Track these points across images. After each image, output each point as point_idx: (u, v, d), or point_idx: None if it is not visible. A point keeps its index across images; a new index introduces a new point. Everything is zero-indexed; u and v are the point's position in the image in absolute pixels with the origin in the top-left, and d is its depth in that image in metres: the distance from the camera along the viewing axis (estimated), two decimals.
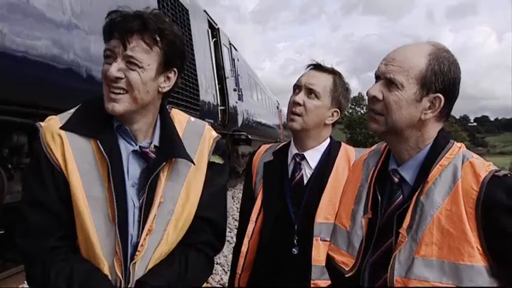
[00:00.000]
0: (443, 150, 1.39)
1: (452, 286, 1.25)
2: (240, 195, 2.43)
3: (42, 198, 1.42)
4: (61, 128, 1.45)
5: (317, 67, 2.06)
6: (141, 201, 1.46)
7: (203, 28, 10.66)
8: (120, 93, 1.42)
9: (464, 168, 1.33)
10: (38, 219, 1.42)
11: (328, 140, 2.09)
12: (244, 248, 2.05)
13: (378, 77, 1.43)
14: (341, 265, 1.51)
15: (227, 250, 6.04)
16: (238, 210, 2.42)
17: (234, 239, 2.40)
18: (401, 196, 1.43)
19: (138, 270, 1.44)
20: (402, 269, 1.32)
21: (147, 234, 1.44)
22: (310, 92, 2.00)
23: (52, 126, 1.46)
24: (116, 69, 1.39)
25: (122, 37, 1.39)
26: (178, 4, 8.41)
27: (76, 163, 1.42)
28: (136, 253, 1.43)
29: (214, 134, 1.67)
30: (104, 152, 1.42)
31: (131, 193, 1.46)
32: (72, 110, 1.53)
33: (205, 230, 1.57)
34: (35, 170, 1.45)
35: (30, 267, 1.45)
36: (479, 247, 1.25)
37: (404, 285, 1.31)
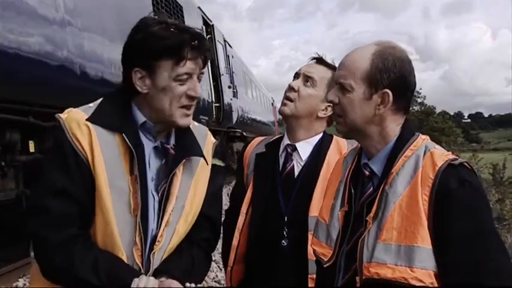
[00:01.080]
0: (408, 143, 1.47)
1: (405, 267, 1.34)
2: None
3: (67, 186, 1.43)
4: (88, 119, 1.48)
5: (319, 60, 2.09)
6: (160, 194, 1.55)
7: (197, 25, 10.64)
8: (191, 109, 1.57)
9: (425, 159, 1.42)
10: (61, 208, 1.42)
11: (321, 134, 2.10)
12: (235, 241, 2.06)
13: (336, 83, 1.54)
14: (321, 256, 1.59)
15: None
16: None
17: None
18: (371, 188, 1.52)
19: (156, 259, 1.53)
20: (369, 254, 1.40)
21: (165, 226, 1.54)
22: (307, 80, 2.03)
23: (77, 116, 1.50)
24: (199, 86, 1.56)
25: (204, 60, 1.54)
26: (172, 1, 8.39)
27: (102, 153, 1.46)
28: (156, 243, 1.52)
29: (213, 139, 1.80)
30: (130, 145, 1.48)
31: (151, 187, 1.54)
32: (92, 104, 1.57)
33: (206, 227, 1.67)
34: (58, 158, 1.46)
35: (51, 256, 1.43)
36: (428, 230, 1.34)
37: (368, 269, 1.39)
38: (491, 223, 1.43)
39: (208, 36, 11.49)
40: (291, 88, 2.03)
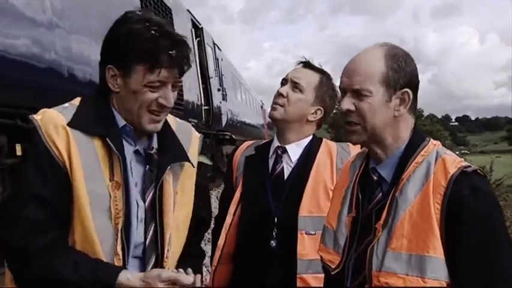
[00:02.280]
0: (419, 148, 1.45)
1: (416, 277, 1.32)
2: None
3: (42, 192, 1.38)
4: (68, 124, 1.42)
5: (306, 64, 2.11)
6: (148, 200, 1.50)
7: (187, 28, 10.61)
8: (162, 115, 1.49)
9: (437, 165, 1.40)
10: (36, 214, 1.37)
11: (311, 137, 2.12)
12: (221, 241, 2.07)
13: (344, 91, 1.49)
14: (328, 263, 1.57)
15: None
16: None
17: None
18: (380, 193, 1.49)
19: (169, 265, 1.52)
20: (379, 262, 1.38)
21: (169, 231, 1.53)
22: (295, 86, 2.04)
23: (54, 118, 1.43)
24: (172, 96, 1.47)
25: (181, 70, 1.46)
26: (161, 3, 8.36)
27: (80, 158, 1.40)
28: (166, 252, 1.51)
29: (198, 133, 1.75)
30: (114, 149, 1.42)
31: (135, 193, 1.49)
32: (67, 104, 1.51)
33: (200, 229, 1.69)
34: (33, 163, 1.41)
35: (28, 264, 1.38)
36: (441, 239, 1.32)
37: (377, 278, 1.37)
38: (505, 231, 1.39)
39: (197, 39, 11.47)
40: (279, 94, 2.05)
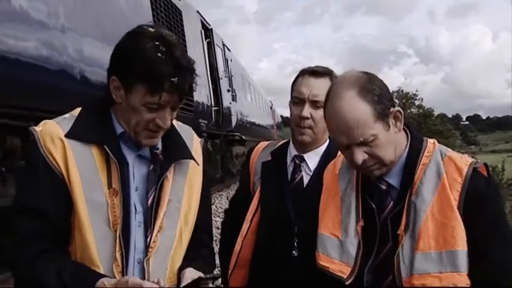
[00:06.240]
0: (421, 150, 1.50)
1: (451, 273, 1.36)
2: None
3: (36, 204, 1.41)
4: (66, 135, 1.44)
5: (313, 73, 2.02)
6: (149, 201, 1.51)
7: (196, 29, 10.65)
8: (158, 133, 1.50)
9: (445, 164, 1.46)
10: (28, 225, 1.40)
11: (328, 141, 2.09)
12: (237, 247, 2.06)
13: (349, 146, 1.47)
14: (338, 273, 1.54)
15: None
16: None
17: None
18: (391, 202, 1.51)
19: (154, 266, 1.48)
20: (408, 268, 1.40)
21: (158, 231, 1.50)
22: (315, 104, 1.97)
23: (51, 130, 1.46)
24: (169, 118, 1.48)
25: (181, 95, 1.45)
26: (171, 5, 8.40)
27: (77, 167, 1.42)
28: (149, 249, 1.48)
29: (198, 137, 1.76)
30: (112, 155, 1.44)
31: (134, 199, 1.50)
32: (67, 115, 1.53)
33: (202, 230, 1.67)
34: (30, 174, 1.44)
35: (19, 272, 1.44)
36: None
37: (410, 283, 1.38)
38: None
39: (207, 40, 11.50)
40: (303, 118, 1.97)
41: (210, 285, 1.42)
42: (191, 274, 1.44)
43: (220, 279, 1.46)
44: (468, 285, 1.34)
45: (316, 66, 2.06)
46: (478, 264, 1.36)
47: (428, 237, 1.39)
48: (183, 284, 1.42)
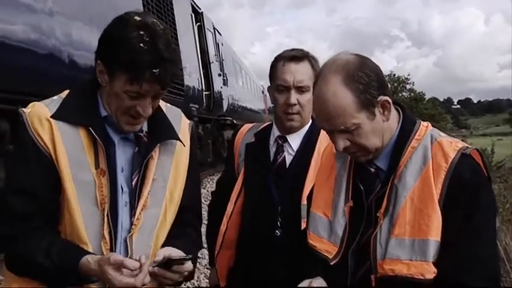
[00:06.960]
0: (412, 133, 1.45)
1: (420, 262, 1.33)
2: None
3: (27, 184, 1.46)
4: (52, 116, 1.47)
5: (293, 59, 2.02)
6: (134, 182, 1.54)
7: (186, 12, 10.55)
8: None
9: (433, 149, 1.40)
10: (21, 206, 1.45)
11: (310, 121, 2.11)
12: (223, 228, 2.10)
13: (331, 131, 1.46)
14: (324, 253, 1.54)
15: None
16: None
17: None
18: (379, 184, 1.49)
19: (137, 243, 1.52)
20: (382, 251, 1.39)
21: (142, 209, 1.53)
22: (300, 89, 1.99)
23: (39, 111, 1.49)
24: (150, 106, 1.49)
25: (163, 86, 1.47)
26: None
27: (65, 148, 1.46)
28: (133, 227, 1.52)
29: (188, 120, 1.77)
30: (97, 137, 1.47)
31: (120, 179, 1.54)
32: (56, 97, 1.56)
33: (190, 210, 1.69)
34: (20, 156, 1.49)
35: (11, 248, 1.48)
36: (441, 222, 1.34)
37: (382, 266, 1.37)
38: (494, 214, 1.45)
39: (197, 24, 11.41)
40: (290, 104, 1.99)
41: (181, 265, 1.43)
42: (165, 252, 1.46)
43: (190, 262, 1.47)
44: (434, 274, 1.31)
45: (292, 50, 2.06)
46: (444, 257, 1.33)
47: (405, 223, 1.36)
48: (154, 264, 1.42)
